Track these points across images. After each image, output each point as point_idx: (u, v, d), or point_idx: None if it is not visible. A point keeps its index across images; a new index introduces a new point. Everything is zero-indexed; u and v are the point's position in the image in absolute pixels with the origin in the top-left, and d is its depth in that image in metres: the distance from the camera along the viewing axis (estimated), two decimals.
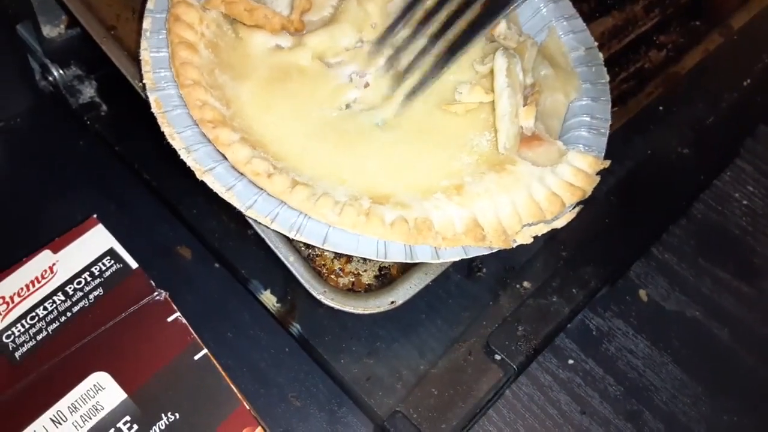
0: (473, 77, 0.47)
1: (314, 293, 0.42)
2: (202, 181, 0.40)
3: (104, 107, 0.57)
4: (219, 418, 0.36)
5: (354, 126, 0.45)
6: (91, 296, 0.39)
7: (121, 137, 0.55)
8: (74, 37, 0.55)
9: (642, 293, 0.58)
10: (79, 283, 0.39)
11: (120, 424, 0.35)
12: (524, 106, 0.45)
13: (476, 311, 0.49)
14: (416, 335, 0.48)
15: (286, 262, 0.43)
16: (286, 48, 0.46)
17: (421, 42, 0.47)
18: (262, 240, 0.43)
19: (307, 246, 0.46)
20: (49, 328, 0.37)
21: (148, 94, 0.42)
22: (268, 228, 0.40)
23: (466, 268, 0.51)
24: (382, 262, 0.47)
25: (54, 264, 0.40)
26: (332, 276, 0.47)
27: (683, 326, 0.57)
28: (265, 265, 0.48)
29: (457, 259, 0.42)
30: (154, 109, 0.41)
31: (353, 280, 0.47)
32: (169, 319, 0.38)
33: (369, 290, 0.46)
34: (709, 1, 0.71)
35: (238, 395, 0.36)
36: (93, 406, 0.35)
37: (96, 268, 0.40)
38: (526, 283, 0.51)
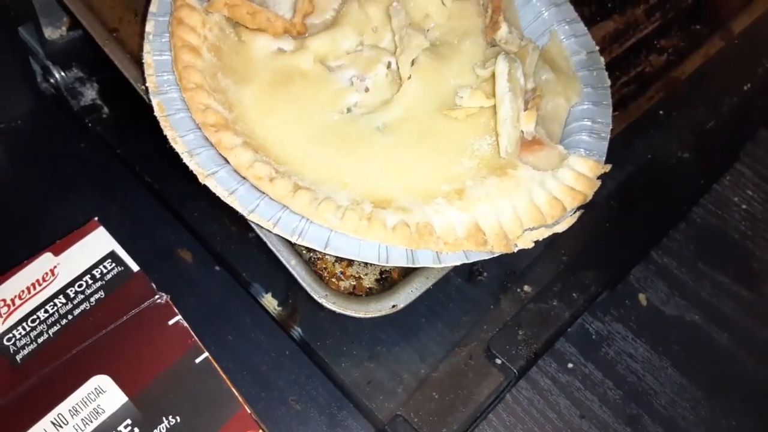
0: (474, 81, 0.47)
1: (315, 297, 0.42)
2: (204, 185, 0.40)
3: (106, 110, 0.57)
4: (220, 422, 0.36)
5: (355, 130, 0.45)
6: (92, 299, 0.39)
7: (123, 140, 0.55)
8: (76, 39, 0.55)
9: (642, 297, 0.58)
10: (80, 286, 0.39)
11: (121, 428, 0.35)
12: (525, 110, 0.45)
13: (477, 315, 0.49)
14: (417, 339, 0.48)
15: (287, 266, 0.43)
16: (288, 51, 0.47)
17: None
18: (264, 243, 0.43)
19: (309, 250, 0.46)
20: (51, 331, 0.37)
21: (151, 97, 0.42)
22: (269, 232, 0.40)
23: (467, 272, 0.51)
24: (384, 266, 0.47)
25: (55, 267, 0.40)
26: (333, 279, 0.47)
27: (683, 330, 0.57)
28: (266, 269, 0.48)
29: (458, 263, 0.42)
30: (156, 112, 0.41)
31: (354, 283, 0.47)
32: (170, 323, 0.38)
33: (370, 294, 0.46)
34: (709, 5, 0.71)
35: (239, 398, 0.36)
36: (94, 409, 0.35)
37: (97, 271, 0.40)
38: (526, 288, 0.51)
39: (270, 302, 0.48)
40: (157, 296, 0.39)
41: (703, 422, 0.52)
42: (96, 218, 0.41)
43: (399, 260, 0.40)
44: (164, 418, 0.35)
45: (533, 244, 0.43)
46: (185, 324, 0.38)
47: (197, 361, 0.37)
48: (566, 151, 0.46)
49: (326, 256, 0.47)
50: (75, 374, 0.36)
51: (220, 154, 0.40)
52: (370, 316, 0.43)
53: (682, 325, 0.57)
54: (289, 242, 0.42)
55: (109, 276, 0.40)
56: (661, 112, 0.63)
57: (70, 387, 0.35)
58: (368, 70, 0.46)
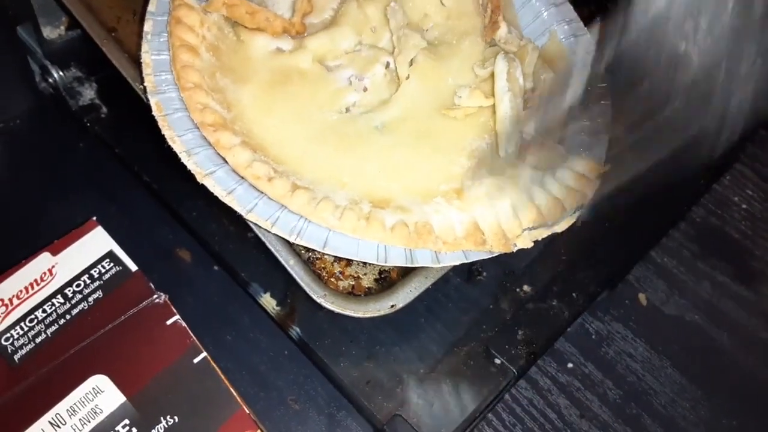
0: (473, 81, 0.47)
1: (314, 296, 0.42)
2: (202, 185, 0.40)
3: (104, 109, 0.57)
4: (218, 422, 0.35)
5: (354, 129, 0.45)
6: (90, 299, 0.39)
7: (121, 139, 0.55)
8: (74, 38, 0.55)
9: (641, 297, 0.58)
10: (78, 285, 0.39)
11: (119, 427, 0.35)
12: (524, 110, 0.45)
13: (476, 315, 0.49)
14: (416, 339, 0.48)
15: (286, 266, 0.43)
16: (287, 51, 0.46)
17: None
18: (262, 243, 0.43)
19: (307, 249, 0.46)
20: (48, 331, 0.37)
21: (149, 96, 0.42)
22: (268, 231, 0.40)
23: (466, 272, 0.51)
24: (382, 266, 0.47)
25: (53, 266, 0.40)
26: (332, 279, 0.47)
27: (682, 330, 0.57)
28: (265, 269, 0.48)
29: (457, 263, 0.42)
30: (154, 112, 0.41)
31: (353, 283, 0.47)
32: (169, 322, 0.38)
33: (369, 294, 0.46)
34: None
35: (238, 398, 0.36)
36: (92, 409, 0.35)
37: (95, 271, 0.40)
38: (526, 287, 0.51)
39: (268, 302, 0.47)
40: (155, 296, 0.39)
41: (703, 422, 0.52)
42: (94, 218, 0.41)
43: (398, 260, 0.40)
44: (162, 418, 0.35)
45: (532, 244, 0.43)
46: (183, 324, 0.38)
47: (195, 360, 0.37)
48: (565, 151, 0.46)
49: (325, 256, 0.47)
50: (73, 374, 0.36)
51: (219, 154, 0.40)
52: (368, 315, 0.42)
53: (681, 324, 0.57)
54: (288, 242, 0.42)
55: (107, 276, 0.40)
56: None
57: (68, 387, 0.35)
58: (366, 69, 0.46)
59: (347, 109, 0.46)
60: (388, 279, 0.47)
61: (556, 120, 0.48)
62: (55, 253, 0.40)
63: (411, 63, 0.46)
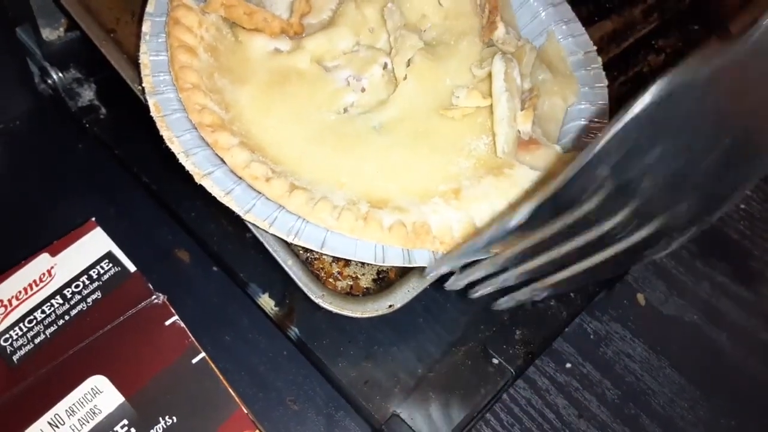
0: (470, 81, 0.47)
1: (312, 297, 0.42)
2: (200, 185, 0.40)
3: (103, 110, 0.57)
4: (217, 422, 0.36)
5: (352, 129, 0.45)
6: (89, 299, 0.39)
7: (120, 140, 0.55)
8: (73, 40, 0.55)
9: (640, 297, 0.58)
10: (77, 286, 0.39)
11: (117, 428, 0.35)
12: (522, 110, 0.45)
13: (474, 315, 0.49)
14: (414, 339, 0.48)
15: (284, 266, 0.43)
16: (285, 51, 0.47)
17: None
18: (261, 243, 0.43)
19: (306, 250, 0.46)
20: (47, 332, 0.38)
21: (147, 97, 0.42)
22: (266, 232, 0.40)
23: None
24: (380, 266, 0.47)
25: (52, 267, 0.40)
26: (330, 279, 0.47)
27: (681, 330, 0.57)
28: (263, 269, 0.48)
29: None
30: (153, 112, 0.41)
31: (351, 283, 0.47)
32: (167, 323, 0.38)
33: (367, 294, 0.46)
34: (707, 6, 0.71)
35: (236, 399, 0.36)
36: (90, 409, 0.35)
37: (94, 272, 0.40)
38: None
39: (267, 302, 0.48)
40: (154, 296, 0.39)
41: (702, 422, 0.52)
42: (93, 219, 0.42)
43: (395, 260, 0.40)
44: (161, 419, 0.35)
45: None
46: (182, 324, 0.38)
47: (194, 361, 0.37)
48: (563, 151, 0.46)
49: (323, 256, 0.47)
50: (72, 375, 0.36)
51: (217, 155, 0.40)
52: (367, 316, 0.43)
53: (680, 324, 0.57)
54: (286, 242, 0.42)
55: (106, 276, 0.40)
56: None
57: (67, 387, 0.35)
58: (364, 70, 0.46)
59: (345, 110, 0.46)
60: (386, 279, 0.47)
61: (553, 120, 0.49)
62: (54, 253, 0.40)
63: (408, 63, 0.46)
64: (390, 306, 0.43)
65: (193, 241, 0.52)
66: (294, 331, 0.47)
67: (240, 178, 0.40)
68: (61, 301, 0.39)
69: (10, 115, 0.58)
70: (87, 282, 0.39)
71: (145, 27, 0.44)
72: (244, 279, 0.48)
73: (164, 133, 0.41)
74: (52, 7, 0.51)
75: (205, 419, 0.36)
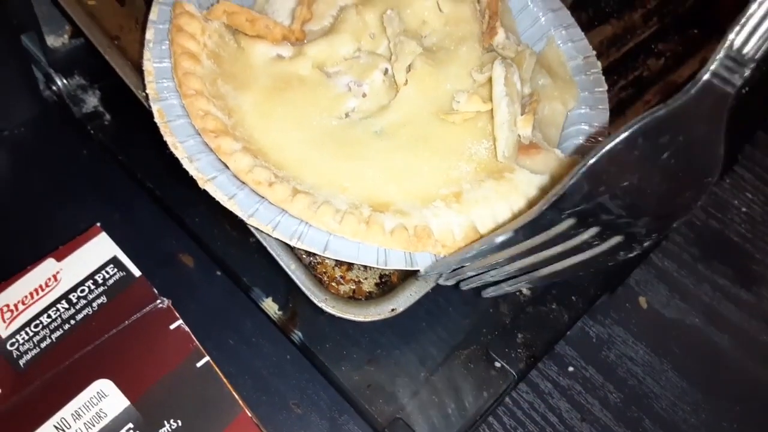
0: (471, 86, 0.47)
1: (315, 301, 0.43)
2: (204, 190, 0.40)
3: (107, 116, 0.57)
4: (221, 426, 0.36)
5: (353, 134, 0.45)
6: (94, 304, 0.39)
7: (125, 146, 0.55)
8: (78, 47, 0.55)
9: (642, 300, 0.58)
10: (82, 291, 0.39)
11: (123, 431, 0.35)
12: (522, 114, 0.45)
13: (476, 319, 0.49)
14: (416, 343, 0.48)
15: (287, 270, 0.43)
16: (287, 58, 0.47)
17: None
18: (264, 248, 0.43)
19: (309, 254, 0.46)
20: (53, 336, 0.38)
21: (151, 104, 0.42)
22: (269, 236, 0.40)
23: None
24: (383, 269, 0.48)
25: (58, 272, 0.40)
26: (333, 284, 0.47)
27: (683, 333, 0.57)
28: (266, 273, 0.48)
29: None
30: (156, 118, 0.42)
31: (354, 287, 0.47)
32: (172, 327, 0.38)
33: (370, 298, 0.47)
34: (706, 10, 0.71)
35: (240, 402, 0.37)
36: (96, 413, 0.35)
37: (99, 276, 0.40)
38: (525, 291, 0.51)
39: (270, 306, 0.48)
40: (158, 301, 0.39)
41: (704, 425, 0.52)
42: (98, 224, 0.42)
43: (397, 263, 0.41)
44: (165, 422, 0.35)
45: None
46: (186, 328, 0.38)
47: (198, 365, 0.37)
48: (563, 155, 0.46)
49: (326, 260, 0.48)
50: (77, 378, 0.36)
51: (220, 160, 0.41)
52: (369, 319, 0.43)
53: (682, 328, 0.57)
54: (289, 247, 0.43)
55: (111, 281, 0.40)
56: None
57: (73, 391, 0.36)
58: (365, 75, 0.47)
59: (347, 115, 0.46)
60: (389, 283, 0.48)
61: (553, 124, 0.49)
62: (59, 259, 0.40)
63: (409, 69, 0.46)
64: (392, 310, 0.43)
65: (196, 246, 0.52)
66: (297, 335, 0.47)
67: (243, 182, 0.40)
68: (66, 306, 0.39)
69: (15, 121, 0.58)
70: (92, 287, 0.40)
71: (149, 34, 0.44)
72: (247, 283, 0.49)
73: (168, 138, 0.41)
74: (56, 14, 0.51)
75: (209, 423, 0.36)
